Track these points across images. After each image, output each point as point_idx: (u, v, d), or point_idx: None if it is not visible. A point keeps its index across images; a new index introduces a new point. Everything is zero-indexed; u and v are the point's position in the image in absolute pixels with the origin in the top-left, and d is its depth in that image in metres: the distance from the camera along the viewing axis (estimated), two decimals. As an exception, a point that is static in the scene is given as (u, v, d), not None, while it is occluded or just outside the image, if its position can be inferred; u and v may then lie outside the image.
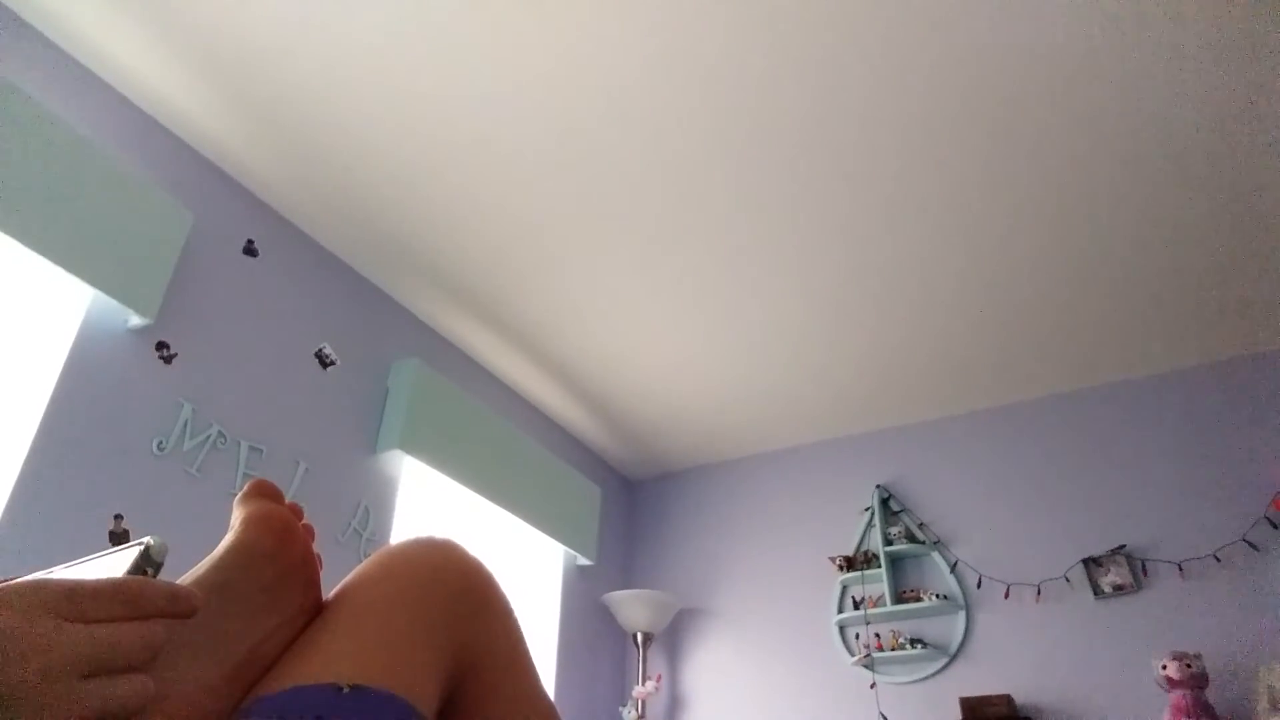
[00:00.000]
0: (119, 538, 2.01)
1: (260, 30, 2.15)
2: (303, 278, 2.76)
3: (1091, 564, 3.16)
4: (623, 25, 2.12)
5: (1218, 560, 3.00)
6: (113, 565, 0.47)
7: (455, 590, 0.63)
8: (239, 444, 2.37)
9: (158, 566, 0.47)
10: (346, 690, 0.51)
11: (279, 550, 0.59)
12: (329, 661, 0.53)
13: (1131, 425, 3.37)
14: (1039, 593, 3.22)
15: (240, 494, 0.64)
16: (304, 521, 0.64)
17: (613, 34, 2.15)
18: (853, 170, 2.53)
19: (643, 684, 3.55)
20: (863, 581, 3.48)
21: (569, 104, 2.34)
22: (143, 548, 0.47)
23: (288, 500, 0.65)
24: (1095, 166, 2.49)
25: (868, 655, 3.33)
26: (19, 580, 0.40)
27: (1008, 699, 2.96)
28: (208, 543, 0.71)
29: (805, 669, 3.49)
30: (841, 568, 3.52)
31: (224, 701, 0.51)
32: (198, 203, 2.46)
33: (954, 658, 3.25)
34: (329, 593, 0.63)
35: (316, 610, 0.61)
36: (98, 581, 0.41)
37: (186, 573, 0.55)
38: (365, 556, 2.82)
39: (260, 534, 0.59)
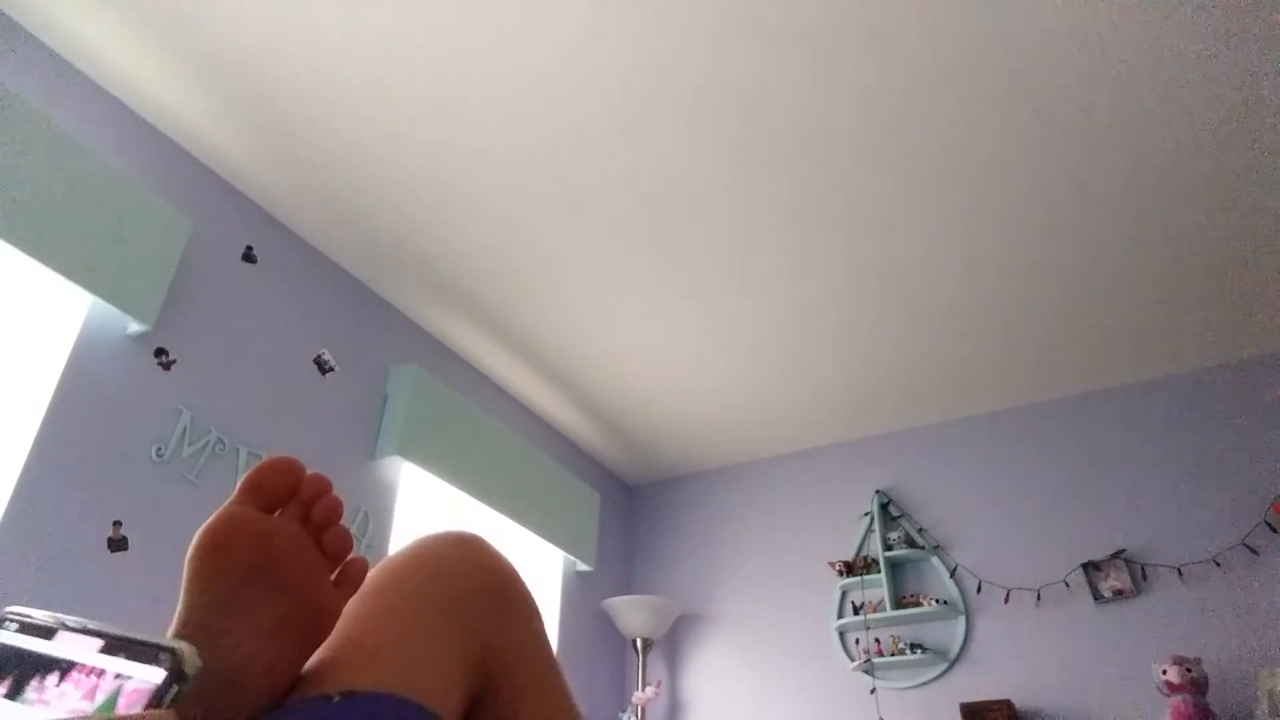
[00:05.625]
0: (117, 544, 2.00)
1: (258, 36, 2.16)
2: (301, 284, 2.76)
3: (1091, 568, 3.16)
4: (619, 30, 2.13)
5: (1218, 564, 2.99)
6: (141, 670, 0.42)
7: (479, 587, 0.61)
8: (238, 450, 2.37)
9: (189, 680, 0.42)
10: (336, 699, 0.49)
11: (220, 562, 0.52)
12: (333, 669, 0.52)
13: (1131, 429, 3.37)
14: (1039, 597, 3.22)
15: None
16: (329, 495, 0.56)
17: (609, 40, 2.15)
18: (851, 175, 2.53)
19: (642, 690, 3.54)
20: (862, 586, 3.48)
21: (567, 109, 2.34)
22: (173, 656, 0.42)
23: (309, 474, 0.56)
24: (1094, 170, 2.50)
25: (868, 660, 3.32)
26: None
27: (1008, 704, 2.96)
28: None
29: (805, 674, 3.49)
30: (841, 573, 3.51)
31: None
32: (197, 209, 2.46)
33: (954, 663, 3.25)
34: None
35: (326, 603, 0.55)
36: None
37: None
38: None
39: (193, 554, 0.52)
